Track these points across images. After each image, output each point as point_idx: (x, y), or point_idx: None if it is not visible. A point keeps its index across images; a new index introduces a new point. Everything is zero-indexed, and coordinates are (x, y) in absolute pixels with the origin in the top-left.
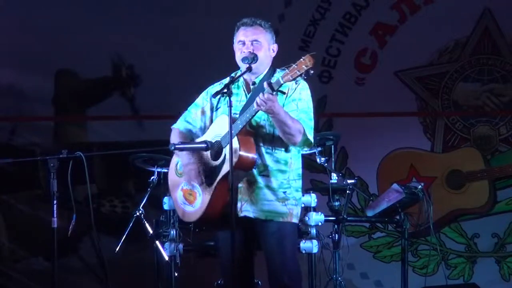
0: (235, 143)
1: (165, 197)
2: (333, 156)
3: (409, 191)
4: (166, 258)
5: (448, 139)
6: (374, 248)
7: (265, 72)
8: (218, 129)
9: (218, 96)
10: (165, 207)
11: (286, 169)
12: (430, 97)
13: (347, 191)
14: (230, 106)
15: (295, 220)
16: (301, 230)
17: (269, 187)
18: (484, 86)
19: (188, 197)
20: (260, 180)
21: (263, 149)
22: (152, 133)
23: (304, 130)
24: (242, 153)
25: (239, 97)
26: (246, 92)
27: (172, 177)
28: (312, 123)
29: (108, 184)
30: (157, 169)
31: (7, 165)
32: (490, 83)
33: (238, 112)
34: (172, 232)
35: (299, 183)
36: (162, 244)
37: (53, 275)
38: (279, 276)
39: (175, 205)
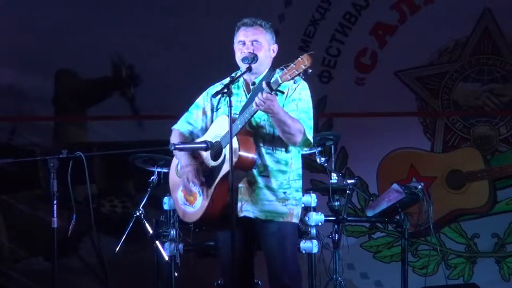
0: (235, 143)
1: (165, 197)
2: (333, 156)
3: (409, 191)
4: (166, 258)
5: (448, 139)
6: (374, 248)
7: (265, 72)
8: (218, 129)
9: (218, 96)
10: (165, 207)
11: (286, 170)
12: (430, 97)
13: (347, 191)
14: (230, 106)
15: (295, 220)
16: (301, 230)
17: (269, 187)
18: (484, 86)
19: (189, 198)
20: (260, 181)
21: (263, 150)
22: (152, 133)
23: (304, 129)
24: (241, 153)
25: (239, 97)
26: (246, 92)
27: (173, 177)
28: (311, 123)
29: (108, 184)
30: (157, 169)
31: (7, 165)
32: (490, 83)
33: (238, 112)
34: (172, 232)
35: (299, 183)
36: (162, 244)
37: (53, 275)
38: (279, 276)
39: (176, 206)
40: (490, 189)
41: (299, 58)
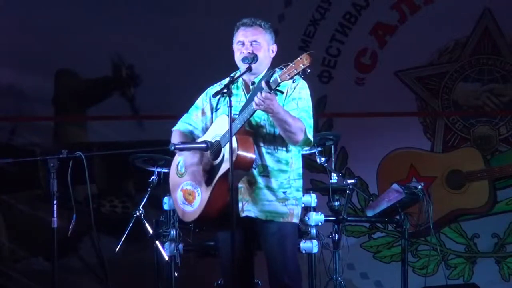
0: (234, 142)
1: (165, 197)
2: (333, 156)
3: (409, 191)
4: (166, 258)
5: (448, 139)
6: (374, 248)
7: (264, 72)
8: (218, 129)
9: (218, 97)
10: (165, 207)
11: (287, 169)
12: (430, 97)
13: (347, 191)
14: (230, 106)
15: (295, 220)
16: (301, 230)
17: (269, 187)
18: (484, 86)
19: (188, 197)
20: (260, 181)
21: (263, 149)
22: (152, 133)
23: (305, 128)
24: (240, 152)
25: (239, 98)
26: (245, 92)
27: (172, 177)
28: (312, 122)
29: (108, 184)
30: (157, 169)
31: (7, 165)
32: (490, 83)
33: (238, 113)
34: (172, 232)
35: (299, 183)
36: (162, 244)
37: (53, 275)
38: (279, 276)
39: (175, 205)
40: (490, 189)
41: (299, 58)
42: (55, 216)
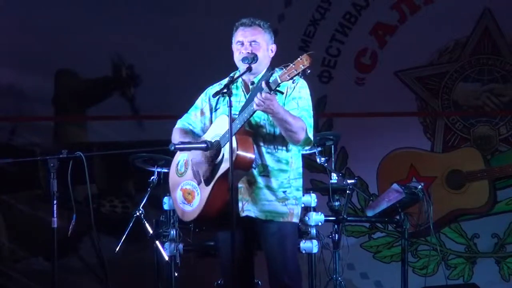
0: (233, 142)
1: (165, 197)
2: (333, 156)
3: (409, 191)
4: (166, 258)
5: (448, 139)
6: (374, 248)
7: (263, 72)
8: (217, 129)
9: (217, 97)
10: (165, 207)
11: (287, 169)
12: (430, 97)
13: (347, 191)
14: (230, 106)
15: (295, 219)
16: (301, 230)
17: (269, 187)
18: (484, 86)
19: (187, 197)
20: (260, 180)
21: (263, 149)
22: (152, 133)
23: (306, 127)
24: (239, 152)
25: (238, 98)
26: (245, 92)
27: (172, 177)
28: (312, 121)
29: (108, 184)
30: (157, 169)
31: (7, 165)
32: (490, 83)
33: (237, 113)
34: (172, 232)
35: (299, 182)
36: (162, 244)
37: (53, 275)
38: (279, 276)
39: (175, 205)
40: (490, 189)
41: (299, 58)
42: (55, 216)
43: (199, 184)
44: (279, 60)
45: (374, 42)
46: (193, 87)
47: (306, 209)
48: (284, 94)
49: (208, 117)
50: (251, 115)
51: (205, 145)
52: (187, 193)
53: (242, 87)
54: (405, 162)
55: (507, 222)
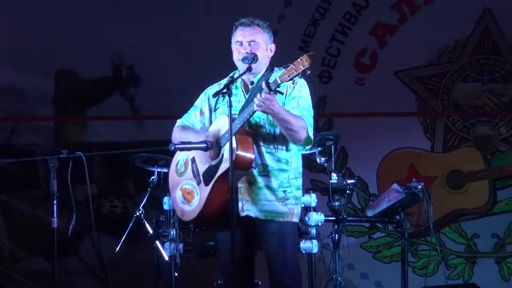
0: (233, 142)
1: (165, 197)
2: (333, 156)
3: (409, 191)
4: (166, 258)
5: (448, 139)
6: (374, 248)
7: (263, 72)
8: (217, 129)
9: (217, 97)
10: (165, 207)
11: (287, 168)
12: (430, 97)
13: (347, 191)
14: (230, 106)
15: (295, 219)
16: (301, 230)
17: (269, 187)
18: (484, 86)
19: (187, 196)
20: (260, 180)
21: (263, 149)
22: (152, 133)
23: (307, 126)
24: (239, 152)
25: (238, 97)
26: (244, 92)
27: (172, 176)
28: (312, 121)
29: (108, 184)
30: (157, 169)
31: (7, 165)
32: (490, 83)
33: (237, 113)
34: (172, 232)
35: (299, 182)
36: (162, 244)
37: (53, 275)
38: (279, 276)
39: (174, 205)
40: (490, 189)
41: (299, 59)
42: (55, 216)
43: (198, 183)
44: (279, 60)
45: (374, 42)
46: (193, 87)
47: (306, 209)
48: (284, 94)
49: (208, 117)
50: (251, 115)
51: (205, 145)
52: (187, 192)
53: (242, 87)
54: (405, 162)
55: (507, 222)
